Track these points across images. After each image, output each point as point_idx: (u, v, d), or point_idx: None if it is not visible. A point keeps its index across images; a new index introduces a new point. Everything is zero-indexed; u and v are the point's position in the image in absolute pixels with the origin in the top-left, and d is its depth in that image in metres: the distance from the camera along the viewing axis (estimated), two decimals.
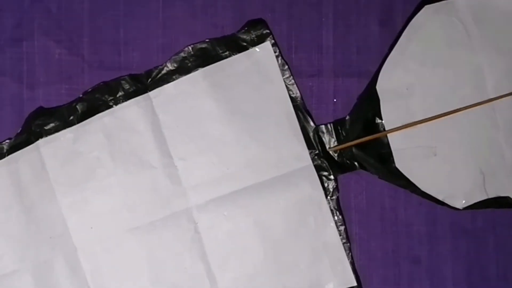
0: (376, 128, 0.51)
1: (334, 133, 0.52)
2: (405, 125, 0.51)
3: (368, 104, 0.51)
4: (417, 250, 0.52)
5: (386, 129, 0.51)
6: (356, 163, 0.51)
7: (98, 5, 0.52)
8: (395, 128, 0.51)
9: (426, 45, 0.51)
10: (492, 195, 0.51)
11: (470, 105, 0.50)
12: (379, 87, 0.51)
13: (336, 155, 0.52)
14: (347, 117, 0.52)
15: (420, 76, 0.51)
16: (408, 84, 0.51)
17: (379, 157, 0.51)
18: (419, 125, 0.50)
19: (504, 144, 0.51)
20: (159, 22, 0.52)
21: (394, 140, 0.51)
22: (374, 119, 0.51)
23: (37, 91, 0.52)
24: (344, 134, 0.52)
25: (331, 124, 0.52)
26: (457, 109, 0.50)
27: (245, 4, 0.52)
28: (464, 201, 0.51)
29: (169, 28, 0.52)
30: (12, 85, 0.52)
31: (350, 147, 0.51)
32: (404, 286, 0.52)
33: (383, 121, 0.51)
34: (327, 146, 0.52)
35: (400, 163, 0.51)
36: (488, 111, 0.51)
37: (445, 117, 0.50)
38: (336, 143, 0.52)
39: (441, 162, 0.51)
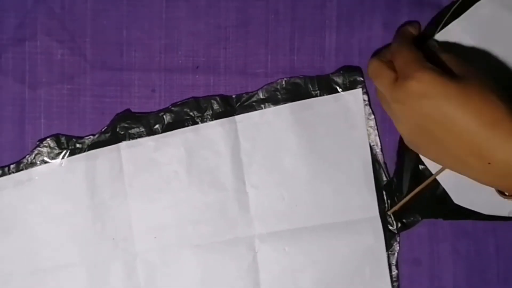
0: (423, 175, 0.51)
1: (389, 195, 0.52)
2: None
3: (407, 155, 0.51)
4: (417, 252, 0.52)
5: (433, 172, 0.51)
6: (418, 216, 0.52)
7: (101, 6, 0.52)
8: (440, 169, 0.50)
9: None
10: None
11: None
12: None
13: (397, 214, 0.52)
14: (394, 178, 0.52)
15: None
16: None
17: (438, 201, 0.51)
18: None
19: None
20: (162, 23, 0.52)
21: (445, 180, 0.51)
22: (418, 167, 0.51)
23: (39, 91, 0.52)
24: (398, 194, 0.52)
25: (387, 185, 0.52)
26: None
27: (249, 5, 0.52)
28: None
29: (172, 29, 0.52)
30: (14, 85, 0.52)
31: (408, 203, 0.51)
32: (404, 287, 0.52)
33: (427, 166, 0.51)
34: (386, 209, 0.52)
35: (458, 199, 0.51)
36: None
37: None
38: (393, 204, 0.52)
39: None
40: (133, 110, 0.52)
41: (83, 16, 0.52)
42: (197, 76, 0.52)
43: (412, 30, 0.50)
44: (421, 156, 0.51)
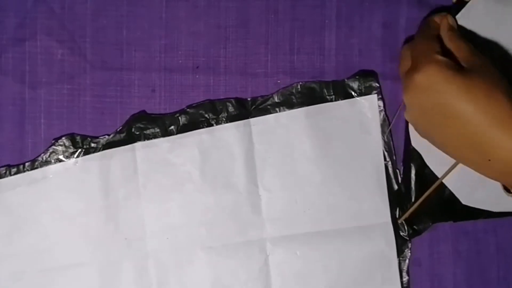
0: (429, 180, 0.51)
1: (399, 204, 0.52)
2: (453, 164, 0.50)
3: (413, 162, 0.51)
4: (417, 252, 0.52)
5: (439, 176, 0.51)
6: (429, 221, 0.52)
7: (101, 6, 0.52)
8: (446, 172, 0.50)
9: None
10: None
11: None
12: (414, 143, 0.51)
13: (408, 221, 0.52)
14: (401, 186, 0.52)
15: None
16: None
17: (446, 204, 0.51)
18: None
19: None
20: (162, 23, 0.52)
21: (451, 182, 0.51)
22: (424, 173, 0.51)
23: (39, 91, 0.52)
24: (406, 201, 0.52)
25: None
26: None
27: (249, 5, 0.52)
28: None
29: (172, 28, 0.52)
30: (14, 85, 0.52)
31: (418, 210, 0.51)
32: None
33: (433, 170, 0.51)
34: (397, 217, 0.52)
35: (466, 200, 0.51)
36: None
37: None
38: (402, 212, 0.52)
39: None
40: (133, 110, 0.52)
41: (83, 16, 0.52)
42: (197, 76, 0.52)
43: (437, 20, 0.49)
44: (426, 161, 0.51)
